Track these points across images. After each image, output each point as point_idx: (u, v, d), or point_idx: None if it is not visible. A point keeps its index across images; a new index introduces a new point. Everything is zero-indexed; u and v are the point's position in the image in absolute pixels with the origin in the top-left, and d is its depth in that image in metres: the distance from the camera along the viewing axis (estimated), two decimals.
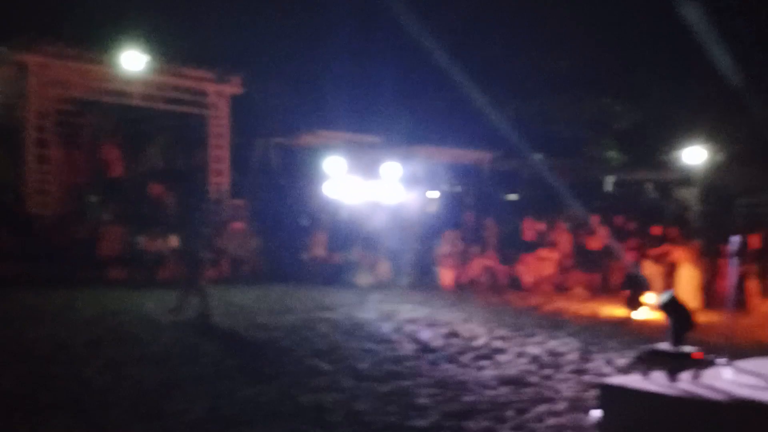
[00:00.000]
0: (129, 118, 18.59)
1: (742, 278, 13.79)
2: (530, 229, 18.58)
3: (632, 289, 13.53)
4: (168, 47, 17.54)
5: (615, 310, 13.72)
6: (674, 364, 6.27)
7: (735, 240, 7.36)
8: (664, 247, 15.74)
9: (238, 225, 17.43)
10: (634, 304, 13.31)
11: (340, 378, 7.30)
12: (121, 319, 10.70)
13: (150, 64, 16.84)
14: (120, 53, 16.54)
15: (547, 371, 8.01)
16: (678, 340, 6.39)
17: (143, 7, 18.75)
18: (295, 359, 8.26)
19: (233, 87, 18.64)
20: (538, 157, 23.16)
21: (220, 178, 18.61)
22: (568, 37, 22.78)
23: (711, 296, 14.87)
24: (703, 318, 10.77)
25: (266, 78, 20.36)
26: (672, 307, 6.59)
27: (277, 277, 16.56)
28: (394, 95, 21.94)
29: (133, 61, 16.57)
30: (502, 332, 10.63)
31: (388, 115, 21.88)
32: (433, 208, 20.82)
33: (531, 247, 17.87)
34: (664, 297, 6.61)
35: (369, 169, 19.62)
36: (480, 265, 17.29)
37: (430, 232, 18.28)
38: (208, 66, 18.17)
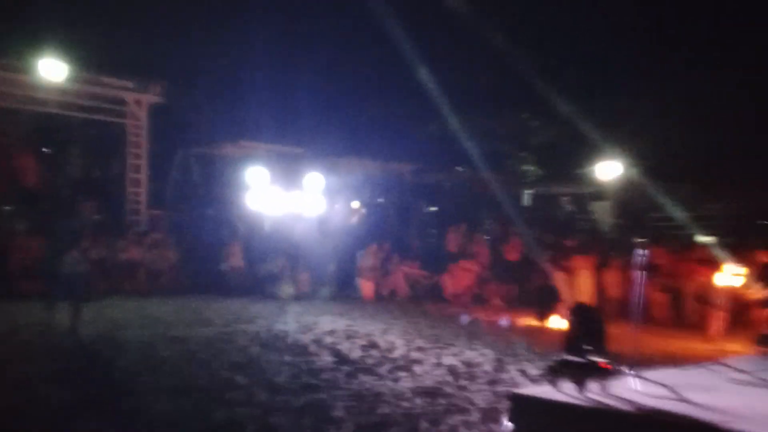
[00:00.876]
0: (46, 126, 18.15)
1: (644, 290, 14.25)
2: (454, 239, 18.85)
3: (544, 300, 13.88)
4: (88, 55, 17.19)
5: (530, 321, 14.06)
6: (583, 374, 6.46)
7: (640, 253, 7.64)
8: (571, 258, 16.34)
9: (156, 236, 17.17)
10: (545, 313, 13.66)
11: (256, 391, 7.27)
12: (33, 334, 10.42)
13: (69, 72, 16.47)
14: (38, 61, 16.14)
15: (462, 382, 8.14)
16: (587, 351, 6.59)
17: (62, 16, 18.34)
18: (210, 373, 8.19)
19: (153, 96, 18.41)
20: (458, 170, 23.53)
21: (137, 188, 18.31)
22: (486, 54, 23.23)
23: (610, 306, 15.59)
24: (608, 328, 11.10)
25: (188, 87, 20.16)
26: (582, 316, 6.79)
27: (196, 288, 16.36)
28: (318, 107, 21.98)
29: (51, 69, 16.19)
30: (420, 343, 10.76)
31: (312, 126, 21.88)
32: (355, 220, 20.89)
33: (453, 257, 18.12)
34: (575, 306, 6.82)
35: (291, 180, 19.56)
36: (402, 275, 17.42)
37: (351, 243, 18.35)
38: (128, 75, 17.90)
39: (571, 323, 6.63)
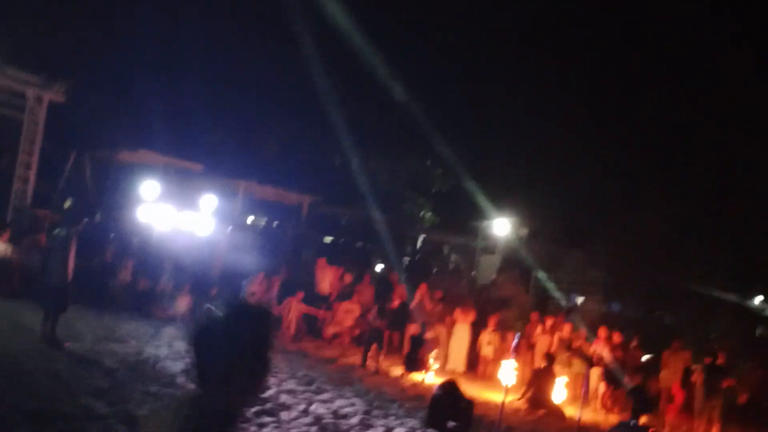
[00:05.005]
0: None
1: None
2: (338, 278, 18.83)
3: (414, 351, 14.05)
4: None
5: (401, 371, 14.15)
6: None
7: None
8: (451, 311, 16.76)
9: (38, 237, 16.53)
10: (414, 365, 13.83)
11: (115, 425, 7.11)
12: None
13: None
14: None
15: None
16: (452, 428, 6.76)
17: None
18: (71, 397, 7.95)
19: (55, 94, 17.83)
20: (357, 207, 23.70)
21: (24, 185, 17.66)
22: (394, 99, 23.68)
23: (483, 366, 16.09)
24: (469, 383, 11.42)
25: (92, 90, 19.65)
26: (450, 393, 6.97)
27: (75, 297, 15.78)
28: (220, 126, 21.82)
29: None
30: (292, 385, 10.72)
31: (212, 144, 21.69)
32: (246, 246, 20.69)
33: (338, 296, 18.10)
34: (443, 384, 6.97)
35: (185, 198, 19.26)
36: (290, 309, 17.08)
37: (239, 269, 18.14)
38: (32, 69, 17.33)
39: (439, 398, 6.81)
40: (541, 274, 23.79)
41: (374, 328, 14.82)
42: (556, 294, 23.26)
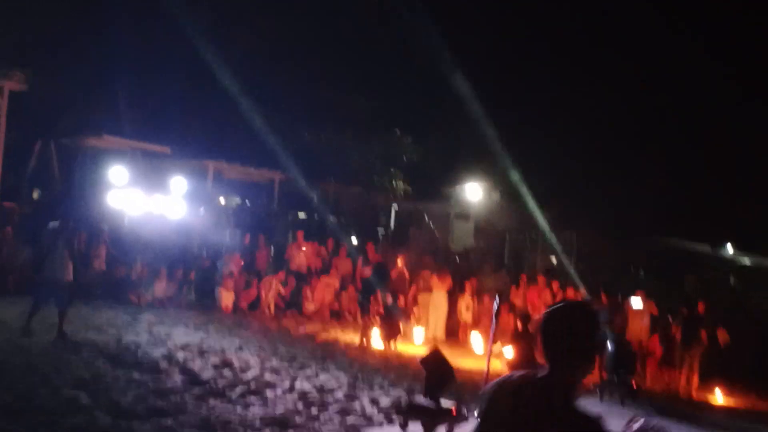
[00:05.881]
0: None
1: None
2: (315, 254, 18.77)
3: (387, 320, 14.05)
4: None
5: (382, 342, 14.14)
6: (431, 418, 6.65)
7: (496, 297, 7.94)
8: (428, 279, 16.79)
9: (6, 231, 16.28)
10: (390, 334, 13.86)
11: (99, 415, 7.04)
12: None
13: None
14: None
15: (313, 410, 8.16)
16: (435, 395, 6.78)
17: None
18: (52, 390, 7.83)
19: (14, 83, 17.49)
20: (328, 182, 23.61)
21: None
22: (360, 72, 23.62)
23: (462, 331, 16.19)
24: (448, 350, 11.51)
25: (53, 77, 19.27)
26: (433, 362, 6.98)
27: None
28: (186, 108, 21.56)
29: None
30: (274, 363, 10.70)
31: (179, 126, 21.43)
32: (219, 226, 20.54)
33: (316, 271, 18.07)
34: (428, 355, 6.98)
35: (155, 182, 19.06)
36: (268, 287, 17.02)
37: (214, 250, 18.03)
38: None
39: (427, 372, 6.82)
40: (515, 237, 23.94)
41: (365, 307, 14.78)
42: (531, 255, 23.43)
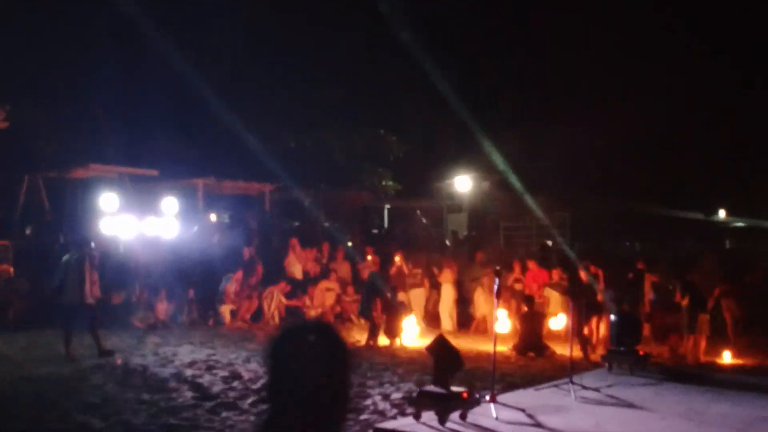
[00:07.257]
0: None
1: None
2: (312, 260, 18.80)
3: (390, 317, 14.07)
4: None
5: (387, 340, 14.14)
6: (443, 405, 6.69)
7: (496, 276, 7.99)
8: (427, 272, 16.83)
9: (3, 267, 16.28)
10: (393, 331, 13.89)
11: None
12: None
13: None
14: None
15: None
16: (445, 381, 6.82)
17: None
18: (63, 415, 7.87)
19: None
20: (318, 186, 23.65)
21: None
22: (339, 71, 23.61)
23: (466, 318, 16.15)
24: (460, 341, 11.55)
25: (34, 110, 19.28)
26: (439, 349, 7.02)
27: (49, 321, 15.56)
28: (171, 129, 21.57)
29: None
30: None
31: (165, 148, 21.43)
32: (215, 242, 20.53)
33: (314, 278, 18.08)
34: (434, 342, 7.02)
35: (146, 204, 19.04)
36: (270, 297, 17.01)
37: (212, 267, 18.00)
38: None
39: (434, 359, 6.86)
40: (509, 223, 24.03)
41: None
42: (526, 240, 23.52)
